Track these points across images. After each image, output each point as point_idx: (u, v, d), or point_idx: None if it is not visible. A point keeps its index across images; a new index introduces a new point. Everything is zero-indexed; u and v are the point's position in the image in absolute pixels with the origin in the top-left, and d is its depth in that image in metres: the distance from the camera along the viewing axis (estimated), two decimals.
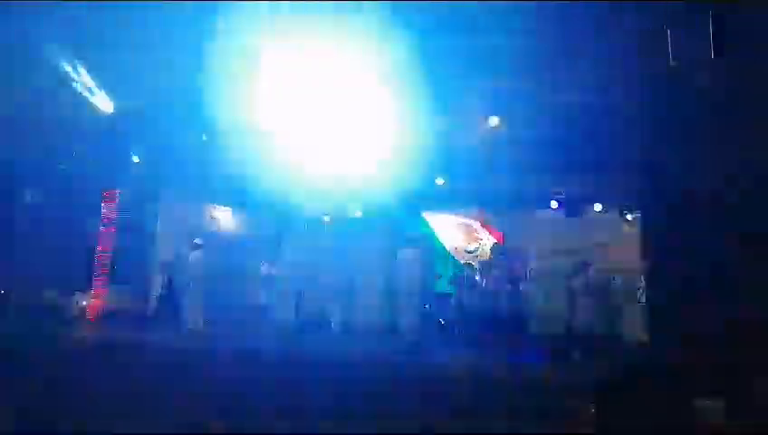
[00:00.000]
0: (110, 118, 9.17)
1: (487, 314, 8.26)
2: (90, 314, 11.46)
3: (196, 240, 10.12)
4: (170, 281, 9.69)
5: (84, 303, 11.90)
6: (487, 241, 11.76)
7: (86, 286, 11.77)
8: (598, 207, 10.45)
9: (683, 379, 3.35)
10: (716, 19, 4.56)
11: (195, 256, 9.30)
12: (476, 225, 12.10)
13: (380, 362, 5.97)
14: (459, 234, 12.26)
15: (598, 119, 7.85)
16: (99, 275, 11.87)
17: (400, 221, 11.34)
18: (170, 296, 9.67)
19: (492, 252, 8.11)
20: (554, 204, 10.85)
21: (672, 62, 5.08)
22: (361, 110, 7.58)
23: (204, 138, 10.03)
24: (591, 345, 5.11)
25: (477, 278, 9.39)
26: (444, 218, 12.52)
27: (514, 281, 9.04)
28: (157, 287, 10.35)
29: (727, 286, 3.76)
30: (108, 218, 12.02)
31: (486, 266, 9.39)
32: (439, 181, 12.00)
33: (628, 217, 10.06)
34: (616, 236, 10.29)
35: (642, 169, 4.82)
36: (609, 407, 3.47)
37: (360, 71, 6.89)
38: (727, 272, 3.84)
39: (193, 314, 9.01)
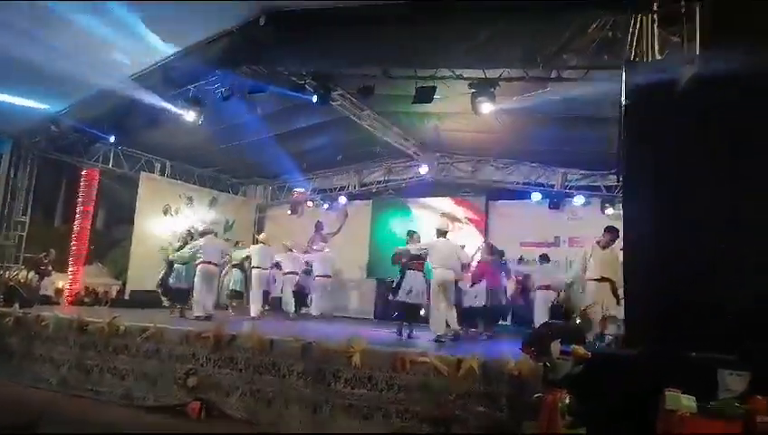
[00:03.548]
0: None
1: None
2: (68, 296, 11.31)
3: (203, 225, 9.86)
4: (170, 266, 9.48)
5: (61, 284, 11.77)
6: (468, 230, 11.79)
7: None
8: (580, 199, 10.55)
9: (654, 370, 3.43)
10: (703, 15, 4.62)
11: (204, 241, 9.09)
12: (459, 213, 12.10)
13: None
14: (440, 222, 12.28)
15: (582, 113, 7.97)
16: (76, 255, 11.74)
17: None
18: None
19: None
20: (537, 195, 10.95)
21: (654, 59, 5.17)
22: None
23: None
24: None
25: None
26: (426, 206, 12.53)
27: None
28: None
29: (707, 280, 3.85)
30: (86, 197, 11.86)
31: None
32: (423, 169, 12.10)
33: (608, 210, 10.17)
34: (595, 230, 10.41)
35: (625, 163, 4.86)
36: (578, 395, 3.55)
37: None
38: (708, 266, 3.92)
39: (201, 302, 8.66)
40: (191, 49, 7.84)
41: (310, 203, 13.92)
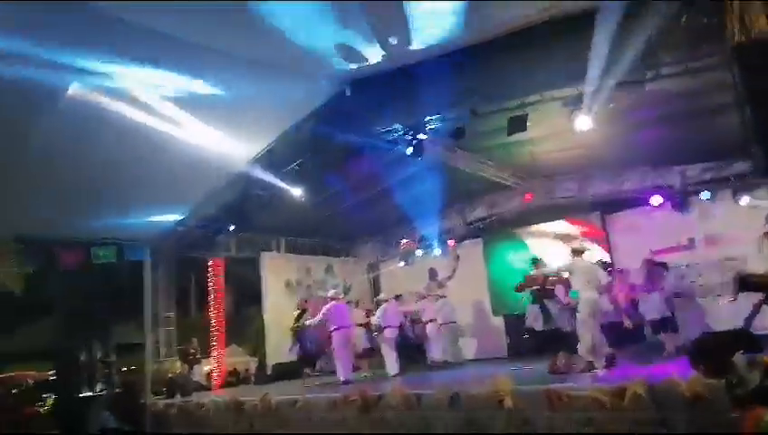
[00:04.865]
0: None
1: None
2: (216, 379, 12.04)
3: (332, 292, 10.14)
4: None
5: (207, 368, 12.59)
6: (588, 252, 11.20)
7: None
8: (706, 194, 9.73)
9: None
10: None
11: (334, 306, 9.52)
12: (575, 232, 11.54)
13: None
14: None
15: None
16: (217, 340, 12.54)
17: None
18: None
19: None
20: (657, 199, 10.23)
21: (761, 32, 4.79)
22: None
23: None
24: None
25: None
26: (538, 233, 12.14)
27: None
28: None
29: None
30: (216, 285, 12.75)
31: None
32: (527, 196, 11.83)
33: (742, 200, 9.30)
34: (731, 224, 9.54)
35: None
36: None
37: None
38: None
39: (344, 366, 9.10)
40: (287, 133, 8.40)
41: (420, 251, 14.00)
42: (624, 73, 6.10)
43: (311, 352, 10.08)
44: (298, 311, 10.11)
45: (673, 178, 10.09)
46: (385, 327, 9.96)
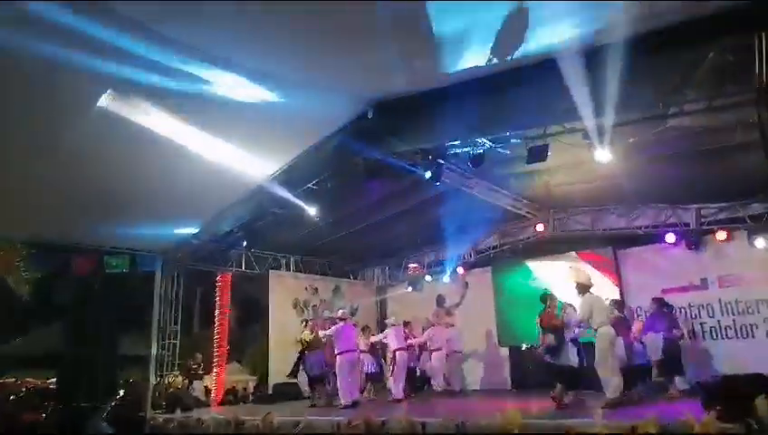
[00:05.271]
0: None
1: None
2: (216, 396, 11.90)
3: (340, 312, 9.95)
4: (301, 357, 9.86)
5: (206, 385, 12.45)
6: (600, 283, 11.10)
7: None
8: (722, 235, 9.64)
9: None
10: None
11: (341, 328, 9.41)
12: (585, 266, 11.43)
13: None
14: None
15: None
16: (219, 356, 12.43)
17: None
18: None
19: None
20: (671, 237, 10.16)
21: None
22: None
23: None
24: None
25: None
26: (548, 264, 12.04)
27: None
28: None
29: None
30: (222, 300, 12.70)
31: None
32: (539, 228, 11.78)
33: (758, 242, 9.21)
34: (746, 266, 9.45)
35: None
36: None
37: None
38: None
39: (346, 390, 8.86)
40: (307, 152, 8.43)
41: (428, 277, 13.92)
42: (645, 110, 6.10)
43: (314, 377, 9.94)
44: (311, 336, 9.95)
45: (688, 217, 10.02)
46: (395, 350, 9.87)
